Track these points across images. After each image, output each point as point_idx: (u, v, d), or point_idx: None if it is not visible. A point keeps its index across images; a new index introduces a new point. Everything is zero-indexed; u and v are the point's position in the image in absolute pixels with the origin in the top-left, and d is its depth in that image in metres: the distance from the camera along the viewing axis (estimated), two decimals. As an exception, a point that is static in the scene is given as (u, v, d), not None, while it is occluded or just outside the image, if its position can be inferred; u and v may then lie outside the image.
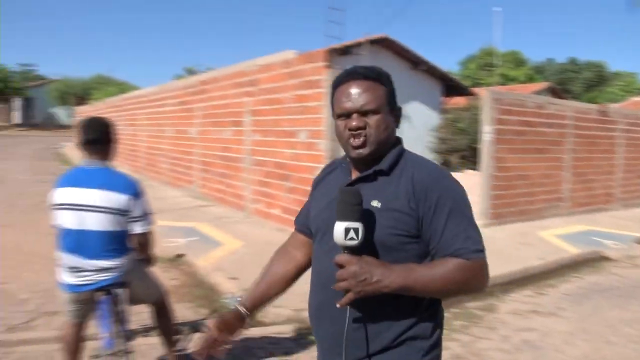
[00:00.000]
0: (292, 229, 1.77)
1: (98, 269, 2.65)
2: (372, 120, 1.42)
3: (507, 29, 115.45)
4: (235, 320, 1.58)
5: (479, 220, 7.60)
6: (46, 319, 4.29)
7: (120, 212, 2.66)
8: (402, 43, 14.24)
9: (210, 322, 1.56)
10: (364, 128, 1.42)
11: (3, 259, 5.94)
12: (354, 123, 1.42)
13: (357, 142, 1.43)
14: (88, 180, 2.67)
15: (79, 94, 41.11)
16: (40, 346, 3.80)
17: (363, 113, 1.42)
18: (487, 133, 8.09)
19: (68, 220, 2.64)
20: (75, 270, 2.66)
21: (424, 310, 1.44)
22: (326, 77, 6.51)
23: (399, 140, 1.53)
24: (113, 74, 48.76)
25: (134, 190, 2.75)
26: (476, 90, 18.22)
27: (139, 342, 3.62)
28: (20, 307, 4.52)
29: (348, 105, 1.43)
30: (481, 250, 1.39)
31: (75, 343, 2.88)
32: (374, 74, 1.46)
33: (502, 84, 29.36)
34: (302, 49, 7.40)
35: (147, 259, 2.96)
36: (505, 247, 6.76)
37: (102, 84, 43.05)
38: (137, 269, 2.88)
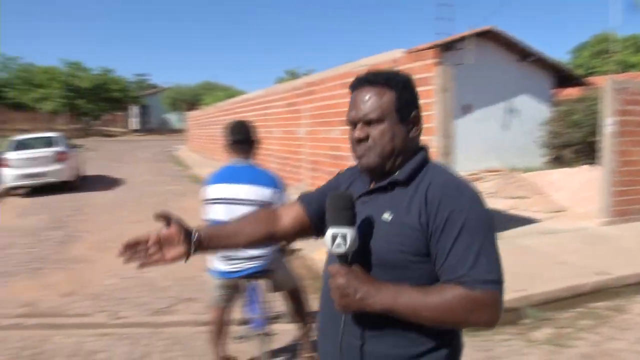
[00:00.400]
0: None
1: (248, 257, 2.93)
2: (376, 130, 1.32)
3: (626, 12, 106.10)
4: (180, 235, 1.37)
5: (598, 218, 7.10)
6: (186, 305, 4.73)
7: (266, 204, 2.91)
8: (508, 34, 13.78)
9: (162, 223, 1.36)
10: (365, 139, 1.33)
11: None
12: (355, 134, 1.35)
13: (359, 152, 1.36)
14: (237, 176, 2.96)
15: (189, 100, 43.90)
16: (184, 328, 4.22)
17: (366, 122, 1.33)
18: (608, 125, 7.62)
19: (220, 213, 2.92)
20: (227, 258, 2.95)
21: (434, 337, 1.26)
22: (436, 74, 6.50)
23: (422, 149, 1.40)
24: (218, 80, 51.56)
25: (277, 184, 3.01)
26: (590, 79, 17.11)
27: (273, 327, 3.89)
28: (163, 294, 5.00)
29: (352, 114, 1.36)
30: (493, 282, 1.18)
31: (221, 326, 3.19)
32: (382, 79, 1.34)
33: (620, 72, 27.16)
34: (405, 47, 7.43)
35: (286, 250, 3.20)
36: (633, 246, 6.35)
37: (209, 89, 45.64)
38: (279, 258, 3.13)
